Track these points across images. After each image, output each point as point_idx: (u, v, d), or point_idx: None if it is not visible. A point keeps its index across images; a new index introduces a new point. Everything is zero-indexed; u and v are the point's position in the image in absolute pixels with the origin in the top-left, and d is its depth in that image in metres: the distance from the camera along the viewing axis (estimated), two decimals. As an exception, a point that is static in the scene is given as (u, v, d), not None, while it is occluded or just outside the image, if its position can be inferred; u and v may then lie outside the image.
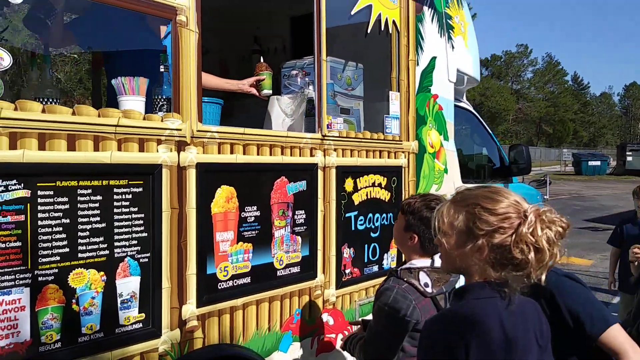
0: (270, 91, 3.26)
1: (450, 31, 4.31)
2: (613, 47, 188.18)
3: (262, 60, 3.42)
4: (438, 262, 2.28)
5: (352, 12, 3.34)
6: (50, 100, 2.25)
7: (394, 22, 3.62)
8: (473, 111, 5.34)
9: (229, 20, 4.52)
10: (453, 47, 4.33)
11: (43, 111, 1.90)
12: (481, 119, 5.43)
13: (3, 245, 1.80)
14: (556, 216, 1.47)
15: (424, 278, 2.24)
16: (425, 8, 3.95)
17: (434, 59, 4.05)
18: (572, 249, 9.55)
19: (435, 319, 1.62)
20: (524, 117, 62.43)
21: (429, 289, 2.20)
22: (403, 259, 2.44)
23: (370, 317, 2.46)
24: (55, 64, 17.91)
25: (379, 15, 3.49)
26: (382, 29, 3.52)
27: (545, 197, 6.30)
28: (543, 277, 1.46)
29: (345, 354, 3.26)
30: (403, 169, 3.69)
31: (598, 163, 34.69)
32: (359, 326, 2.59)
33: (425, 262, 2.27)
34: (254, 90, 3.23)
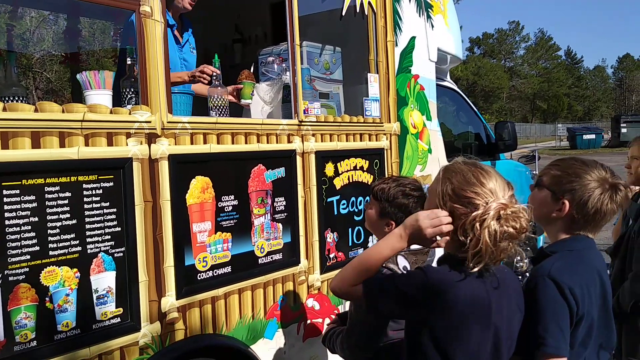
0: (250, 100, 3.16)
1: (429, 10, 4.27)
2: (606, 19, 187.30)
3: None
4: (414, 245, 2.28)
5: (326, -5, 3.30)
6: (16, 98, 2.22)
7: (369, 3, 3.58)
8: (457, 90, 5.32)
9: (210, 9, 4.47)
10: (433, 26, 4.29)
11: (4, 110, 1.88)
12: (466, 98, 5.41)
13: (-31, 247, 1.79)
14: (518, 215, 1.50)
15: (402, 262, 2.23)
16: (402, -12, 3.90)
17: (413, 39, 4.02)
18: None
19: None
20: (518, 95, 62.34)
21: None
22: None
23: (346, 308, 2.45)
24: (44, 64, 17.81)
25: (354, -3, 3.44)
26: (358, 11, 3.48)
27: (534, 172, 6.29)
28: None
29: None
30: (385, 151, 3.67)
31: (593, 136, 34.66)
32: (335, 322, 2.53)
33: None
34: (231, 98, 3.09)
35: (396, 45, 3.83)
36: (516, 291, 1.67)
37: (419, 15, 4.12)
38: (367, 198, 3.51)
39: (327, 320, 3.21)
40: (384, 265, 2.19)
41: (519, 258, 4.85)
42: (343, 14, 3.37)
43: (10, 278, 1.89)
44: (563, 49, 75.77)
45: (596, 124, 54.00)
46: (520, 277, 5.42)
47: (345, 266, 1.75)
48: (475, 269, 1.50)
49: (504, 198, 1.52)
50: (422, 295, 1.54)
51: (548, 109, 65.23)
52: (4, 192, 1.87)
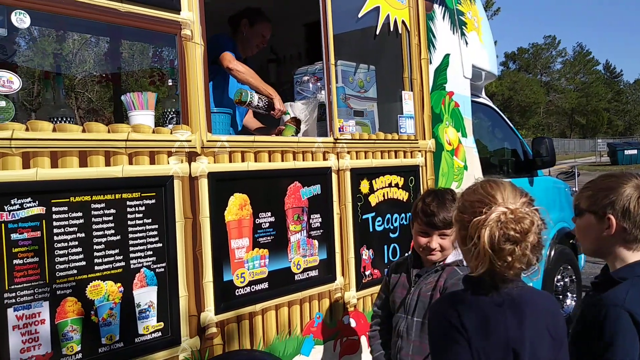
0: None
1: (463, 27, 4.28)
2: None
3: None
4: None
5: (360, 15, 3.35)
6: (65, 119, 2.33)
7: (403, 22, 3.61)
8: (493, 106, 5.28)
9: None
10: (467, 43, 4.30)
11: (54, 130, 1.97)
12: (502, 114, 5.36)
13: (21, 262, 1.87)
14: (522, 217, 1.48)
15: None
16: (435, 6, 3.93)
17: (447, 56, 4.03)
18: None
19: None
20: (555, 109, 61.19)
21: None
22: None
23: None
24: (85, 84, 18.42)
25: (388, 16, 3.49)
26: (392, 29, 3.52)
27: (573, 189, 6.17)
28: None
29: (368, 356, 3.26)
30: (420, 168, 3.67)
31: (635, 152, 33.67)
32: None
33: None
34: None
35: (430, 62, 3.84)
36: (549, 314, 1.58)
37: (453, 33, 4.13)
38: (403, 215, 3.51)
39: (364, 338, 3.21)
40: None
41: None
42: (377, 32, 3.42)
43: (58, 292, 1.96)
44: (602, 63, 74.27)
45: (638, 139, 52.49)
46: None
47: None
48: (474, 274, 1.49)
49: (512, 204, 1.50)
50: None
51: (587, 124, 63.80)
52: (53, 208, 1.95)
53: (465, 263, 2.21)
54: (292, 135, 3.14)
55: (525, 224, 1.47)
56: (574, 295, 5.54)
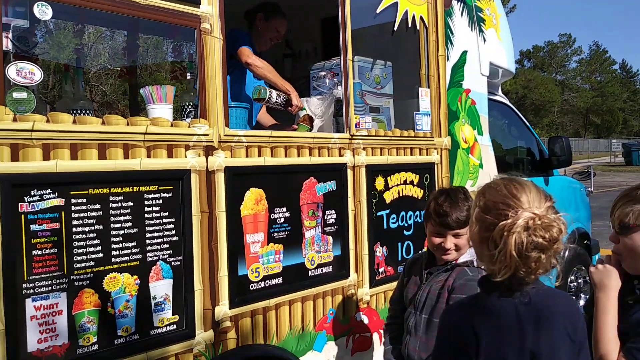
0: None
1: (482, 24, 4.24)
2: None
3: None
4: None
5: (378, 11, 3.33)
6: (84, 111, 2.34)
7: (421, 18, 3.59)
8: (509, 104, 5.23)
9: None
10: (485, 40, 4.26)
11: (74, 122, 1.98)
12: (518, 112, 5.32)
13: (40, 252, 1.88)
14: (550, 225, 1.45)
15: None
16: (454, 2, 3.90)
17: (464, 53, 4.00)
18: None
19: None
20: (569, 109, 60.62)
21: None
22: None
23: None
24: (100, 78, 18.54)
25: (406, 12, 3.46)
26: (410, 25, 3.50)
27: (589, 189, 6.10)
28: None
29: (382, 352, 3.26)
30: (435, 166, 3.65)
31: (650, 153, 33.34)
32: None
33: None
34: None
35: (448, 59, 3.82)
36: (567, 316, 1.53)
37: (471, 30, 4.10)
38: (417, 212, 3.50)
39: (376, 335, 3.21)
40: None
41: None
42: (395, 28, 3.40)
43: (76, 283, 1.98)
44: (618, 62, 73.41)
45: (653, 139, 51.83)
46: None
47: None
48: (495, 278, 1.46)
49: (538, 209, 1.47)
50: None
51: (602, 123, 63.16)
52: (72, 200, 1.96)
53: (475, 264, 2.18)
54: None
55: (554, 232, 1.43)
56: (587, 297, 5.50)
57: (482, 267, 1.94)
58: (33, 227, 1.87)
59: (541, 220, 1.43)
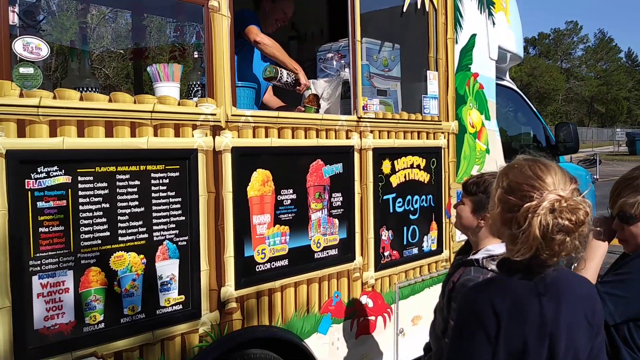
0: None
1: (491, 7, 4.18)
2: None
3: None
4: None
5: (387, -8, 3.28)
6: (89, 89, 2.31)
7: (430, 0, 3.54)
8: (517, 89, 5.19)
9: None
10: (494, 24, 4.21)
11: (81, 99, 1.96)
12: (525, 98, 5.27)
13: (46, 230, 1.87)
14: (577, 207, 1.42)
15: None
16: (463, -16, 3.84)
17: (473, 36, 3.95)
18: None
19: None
20: (574, 97, 60.23)
21: None
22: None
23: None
24: (102, 60, 18.44)
25: (415, -7, 3.41)
26: (419, 7, 3.45)
27: (595, 177, 6.07)
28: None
29: (386, 335, 3.26)
30: (442, 150, 3.62)
31: (654, 142, 33.19)
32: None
33: (502, 246, 2.13)
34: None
35: (456, 42, 3.77)
36: (585, 299, 1.53)
37: (480, 13, 4.04)
38: (424, 197, 3.48)
39: (380, 319, 3.21)
40: (489, 268, 2.00)
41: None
42: (404, 10, 3.35)
43: (83, 261, 1.97)
44: (624, 51, 72.81)
45: (658, 129, 51.57)
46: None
47: None
48: (515, 258, 1.44)
49: (563, 191, 1.44)
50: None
51: (606, 112, 62.80)
52: (79, 178, 1.95)
53: (481, 262, 2.12)
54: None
55: (581, 215, 1.41)
56: None
57: (490, 268, 1.94)
58: (40, 204, 1.86)
59: (567, 202, 1.41)
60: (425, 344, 2.46)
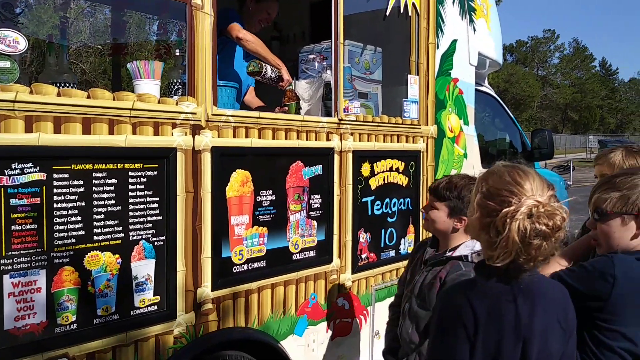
0: None
1: (472, 13, 4.22)
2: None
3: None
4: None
5: (371, -5, 3.29)
6: (67, 84, 2.27)
7: (413, 4, 3.55)
8: (495, 95, 5.25)
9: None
10: (475, 30, 4.25)
11: (58, 95, 1.91)
12: (503, 104, 5.34)
13: (19, 228, 1.83)
14: (553, 213, 1.45)
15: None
16: (445, -10, 3.87)
17: (454, 42, 3.98)
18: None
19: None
20: (549, 104, 61.23)
21: None
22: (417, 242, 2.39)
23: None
24: (79, 55, 18.14)
25: (398, -3, 3.43)
26: (402, 11, 3.46)
27: (568, 182, 6.18)
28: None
29: (362, 337, 3.26)
30: (421, 154, 3.65)
31: (625, 150, 33.86)
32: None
33: (476, 242, 2.11)
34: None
35: (437, 47, 3.80)
36: (559, 303, 1.57)
37: (462, 19, 4.08)
38: (402, 200, 3.49)
39: (357, 320, 3.21)
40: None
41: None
42: (387, 14, 3.36)
43: (56, 260, 1.93)
44: (598, 60, 74.29)
45: (629, 137, 52.79)
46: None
47: None
48: (493, 263, 1.46)
49: (541, 197, 1.47)
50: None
51: (580, 120, 63.95)
52: (55, 175, 1.90)
53: (470, 258, 2.17)
54: (296, 110, 3.09)
55: (557, 220, 1.44)
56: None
57: (477, 261, 1.95)
58: (13, 201, 1.81)
59: (544, 208, 1.44)
60: (383, 350, 2.50)
